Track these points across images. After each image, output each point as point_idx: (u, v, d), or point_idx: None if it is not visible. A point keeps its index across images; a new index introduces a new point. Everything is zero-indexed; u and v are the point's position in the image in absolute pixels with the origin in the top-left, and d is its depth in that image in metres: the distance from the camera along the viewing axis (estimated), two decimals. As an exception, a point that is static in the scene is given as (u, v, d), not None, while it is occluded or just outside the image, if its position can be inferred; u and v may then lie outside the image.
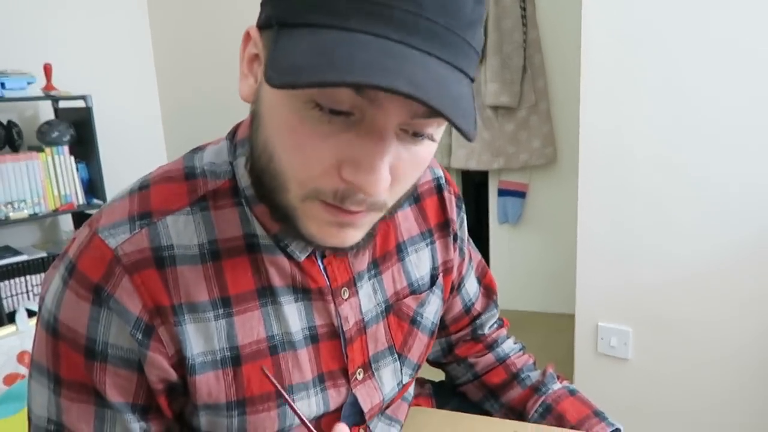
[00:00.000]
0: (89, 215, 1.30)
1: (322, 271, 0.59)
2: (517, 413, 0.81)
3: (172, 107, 3.15)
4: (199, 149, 0.59)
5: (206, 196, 0.55)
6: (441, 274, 0.73)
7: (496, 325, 0.86)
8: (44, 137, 2.48)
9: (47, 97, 2.49)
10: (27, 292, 2.48)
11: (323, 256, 0.59)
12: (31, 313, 1.37)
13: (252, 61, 0.48)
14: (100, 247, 0.51)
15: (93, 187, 2.64)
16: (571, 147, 2.42)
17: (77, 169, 2.55)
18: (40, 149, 2.46)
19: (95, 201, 2.62)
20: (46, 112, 2.68)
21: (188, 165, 0.57)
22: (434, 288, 0.71)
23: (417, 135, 0.45)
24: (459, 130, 0.39)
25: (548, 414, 0.77)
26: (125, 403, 0.53)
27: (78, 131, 2.58)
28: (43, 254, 2.55)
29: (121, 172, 2.64)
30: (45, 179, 2.46)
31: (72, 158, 2.53)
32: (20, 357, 1.32)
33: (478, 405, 0.85)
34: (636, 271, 1.61)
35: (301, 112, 0.43)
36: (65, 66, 2.67)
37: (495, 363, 0.83)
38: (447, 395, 0.87)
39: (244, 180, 0.55)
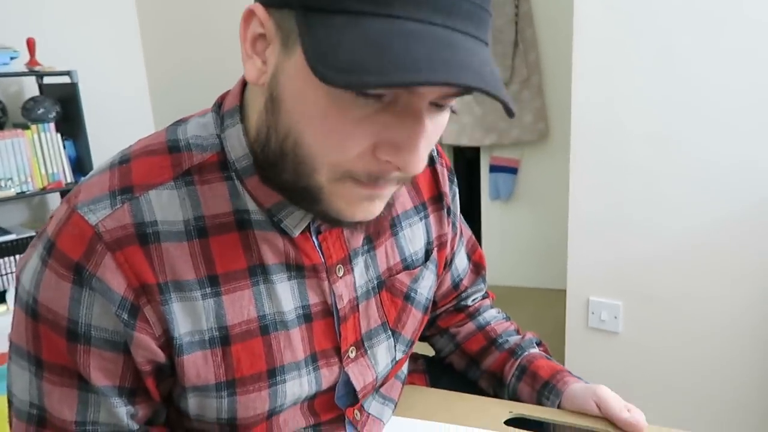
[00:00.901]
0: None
1: (317, 248, 0.58)
2: (497, 378, 0.81)
3: (160, 82, 3.09)
4: (182, 121, 0.57)
5: (191, 170, 0.53)
6: (435, 249, 0.72)
7: (480, 297, 0.86)
8: (29, 114, 2.43)
9: (31, 72, 2.44)
10: (17, 271, 2.46)
11: (318, 233, 0.58)
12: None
13: (256, 40, 0.46)
14: (80, 224, 0.49)
15: (81, 164, 2.60)
16: (563, 122, 2.41)
17: (64, 147, 2.51)
18: (25, 126, 2.42)
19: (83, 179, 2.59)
20: (30, 88, 2.63)
21: (171, 138, 0.55)
22: (428, 263, 0.71)
23: (440, 106, 0.46)
24: (509, 112, 0.40)
25: (524, 375, 0.77)
26: (111, 387, 0.51)
27: (64, 108, 2.53)
28: (32, 233, 2.52)
29: (110, 150, 2.60)
30: (32, 157, 2.42)
31: (59, 135, 2.48)
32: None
33: (464, 375, 0.85)
34: (627, 246, 1.62)
35: (334, 97, 0.42)
36: (49, 41, 2.60)
37: (475, 331, 0.83)
38: (440, 370, 0.88)
39: (234, 153, 0.53)
